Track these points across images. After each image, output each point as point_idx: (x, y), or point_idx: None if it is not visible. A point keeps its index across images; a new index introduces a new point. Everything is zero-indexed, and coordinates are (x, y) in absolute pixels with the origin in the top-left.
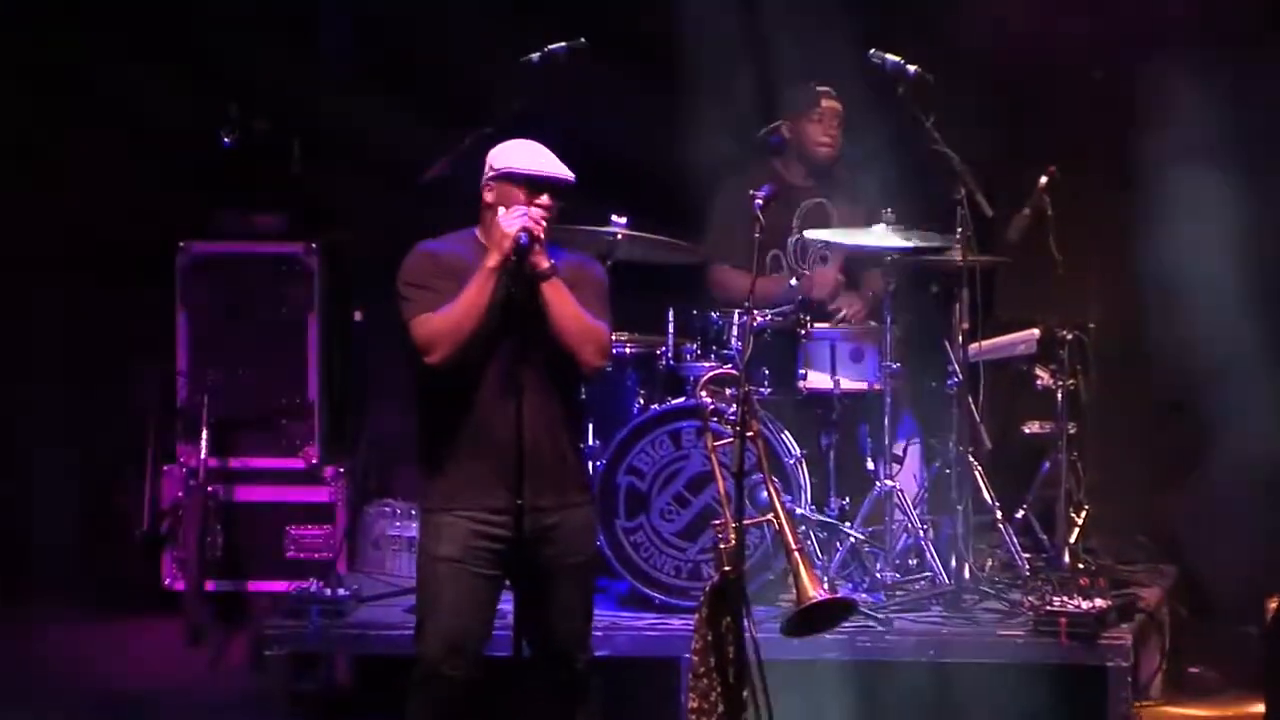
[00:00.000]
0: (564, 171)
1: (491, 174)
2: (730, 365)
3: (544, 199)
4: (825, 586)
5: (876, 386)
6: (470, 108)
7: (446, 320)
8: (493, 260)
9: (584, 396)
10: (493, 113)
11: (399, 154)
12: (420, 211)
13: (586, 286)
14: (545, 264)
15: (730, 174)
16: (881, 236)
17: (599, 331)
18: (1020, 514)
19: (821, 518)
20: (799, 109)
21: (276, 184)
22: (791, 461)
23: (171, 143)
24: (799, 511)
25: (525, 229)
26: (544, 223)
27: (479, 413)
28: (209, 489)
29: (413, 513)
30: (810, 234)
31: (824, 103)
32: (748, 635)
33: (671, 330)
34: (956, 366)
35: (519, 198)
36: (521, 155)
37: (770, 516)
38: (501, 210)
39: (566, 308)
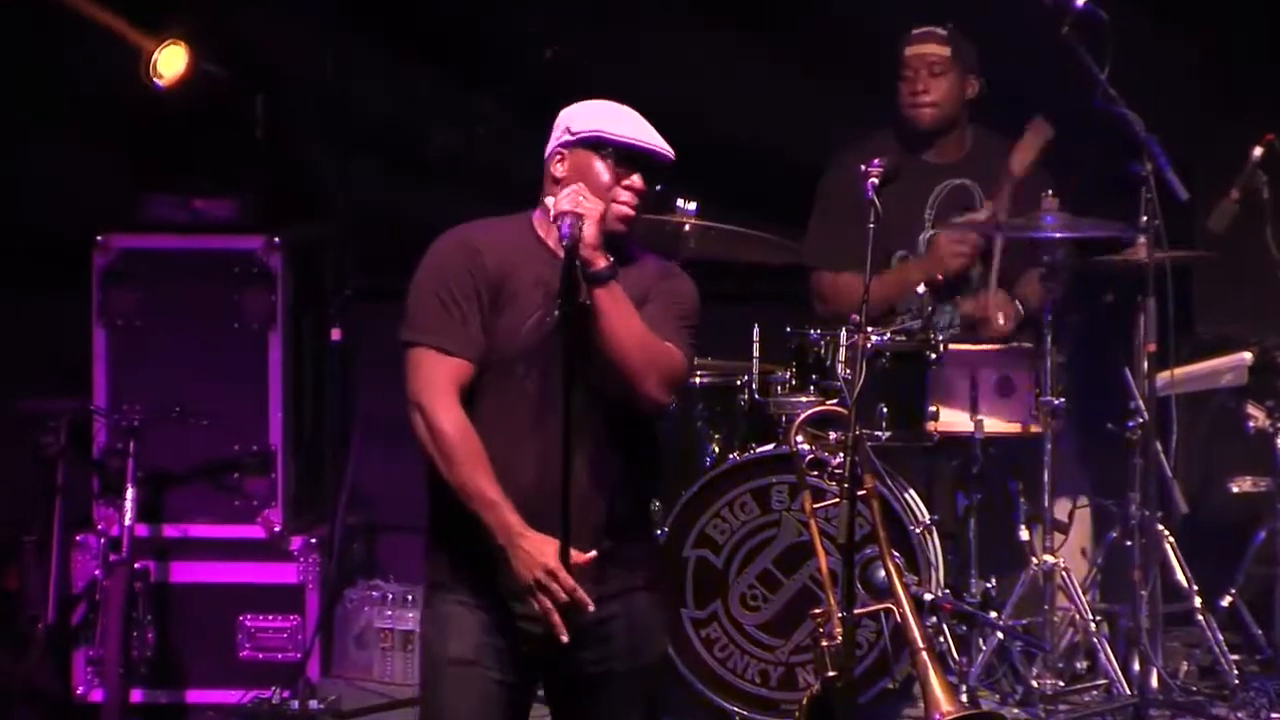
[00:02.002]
0: (665, 145)
1: (569, 139)
2: (836, 400)
3: (635, 180)
4: (964, 698)
5: (1033, 429)
6: (491, 58)
7: (427, 434)
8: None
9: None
10: (517, 64)
11: (396, 118)
12: (422, 196)
13: (663, 299)
14: (602, 262)
15: (840, 148)
16: (1043, 226)
17: (668, 356)
18: (1226, 601)
19: (959, 605)
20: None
21: (230, 156)
22: (918, 530)
23: (88, 99)
24: (928, 597)
25: (566, 213)
26: (631, 209)
27: (506, 462)
28: (136, 566)
29: (409, 598)
30: (949, 227)
31: (908, 50)
32: None
33: (757, 353)
34: (1140, 403)
35: (603, 173)
36: (613, 119)
37: (889, 604)
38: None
39: (625, 321)
